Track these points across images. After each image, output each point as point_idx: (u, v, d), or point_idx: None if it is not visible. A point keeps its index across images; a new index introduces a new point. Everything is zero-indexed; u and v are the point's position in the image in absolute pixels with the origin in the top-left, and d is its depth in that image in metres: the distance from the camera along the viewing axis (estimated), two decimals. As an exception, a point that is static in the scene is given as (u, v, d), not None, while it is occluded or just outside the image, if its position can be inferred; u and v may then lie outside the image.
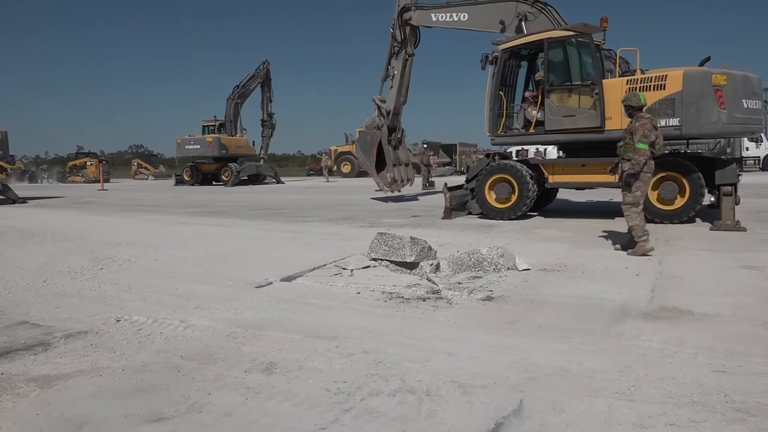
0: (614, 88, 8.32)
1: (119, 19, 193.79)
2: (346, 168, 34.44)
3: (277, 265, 5.40)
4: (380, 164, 13.41)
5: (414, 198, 14.75)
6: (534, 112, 9.22)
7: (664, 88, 7.95)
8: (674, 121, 7.87)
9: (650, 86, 8.04)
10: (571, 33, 8.77)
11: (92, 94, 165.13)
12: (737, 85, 7.95)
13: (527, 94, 9.58)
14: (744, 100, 8.01)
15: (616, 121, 8.24)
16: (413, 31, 12.74)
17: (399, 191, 14.08)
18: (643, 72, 8.43)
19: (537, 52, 9.47)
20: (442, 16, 11.79)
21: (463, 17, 11.32)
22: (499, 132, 9.55)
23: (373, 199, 14.29)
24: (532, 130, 9.24)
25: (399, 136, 13.71)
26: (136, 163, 46.46)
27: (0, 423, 2.28)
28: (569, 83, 8.91)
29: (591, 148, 9.04)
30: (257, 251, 6.56)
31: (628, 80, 8.26)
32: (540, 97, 9.13)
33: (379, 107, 13.14)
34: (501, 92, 9.49)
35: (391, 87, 13.09)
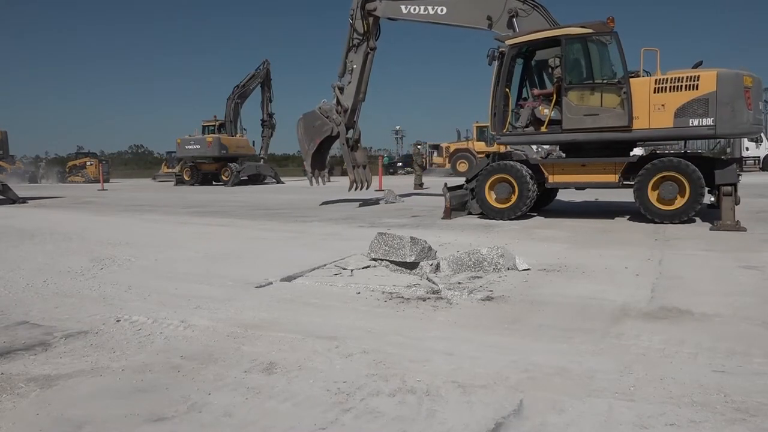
0: (641, 87, 8.26)
1: (119, 19, 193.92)
2: (462, 167, 29.62)
3: (277, 265, 5.40)
4: (316, 160, 12.74)
5: (409, 198, 14.74)
6: (546, 111, 9.02)
7: (696, 89, 7.92)
8: (708, 121, 7.86)
9: (681, 86, 8.00)
10: (590, 30, 8.71)
11: (92, 93, 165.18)
12: (756, 87, 8.12)
13: (536, 92, 9.36)
14: (759, 102, 8.17)
15: (644, 120, 8.22)
16: (376, 23, 11.83)
17: (324, 184, 13.55)
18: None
19: (547, 48, 9.26)
20: (414, 9, 11.06)
21: (441, 11, 10.72)
22: (504, 131, 9.38)
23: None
24: (544, 129, 9.05)
25: (356, 136, 12.74)
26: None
27: (0, 423, 2.28)
28: (591, 81, 8.77)
29: (594, 148, 9.02)
30: (257, 251, 6.56)
31: (656, 80, 8.19)
32: (555, 95, 8.93)
33: (338, 97, 12.19)
34: (507, 89, 9.30)
35: (349, 83, 12.15)
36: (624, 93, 8.29)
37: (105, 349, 3.15)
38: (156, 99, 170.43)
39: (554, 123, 8.98)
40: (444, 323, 3.55)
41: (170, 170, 38.31)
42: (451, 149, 32.43)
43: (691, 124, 7.98)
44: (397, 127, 72.28)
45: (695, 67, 8.29)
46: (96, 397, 2.52)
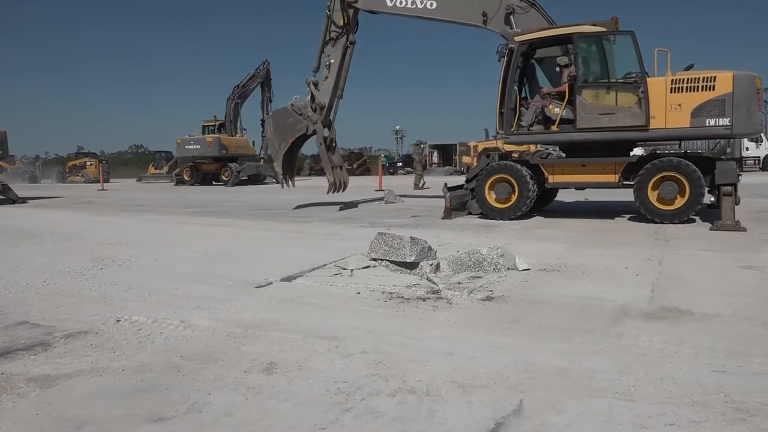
0: (657, 86, 8.27)
1: (119, 19, 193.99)
2: None
3: (277, 265, 5.40)
4: (287, 161, 11.91)
5: (409, 198, 14.74)
6: (557, 110, 8.91)
7: (713, 89, 7.96)
8: (724, 121, 7.92)
9: (698, 86, 8.05)
10: (605, 29, 8.69)
11: (92, 94, 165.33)
12: (761, 89, 8.33)
13: (546, 90, 9.22)
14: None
15: (660, 120, 8.23)
16: (356, 16, 11.19)
17: (290, 185, 12.42)
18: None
19: (552, 46, 9.19)
20: (400, 2, 10.53)
21: (430, 5, 10.30)
22: (513, 130, 9.23)
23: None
24: (555, 129, 8.95)
25: (333, 136, 11.88)
26: None
27: (0, 423, 2.28)
28: (607, 80, 8.72)
29: (595, 148, 9.01)
30: (257, 251, 6.56)
31: (672, 79, 8.19)
32: (567, 93, 8.81)
33: (312, 94, 11.42)
34: (515, 87, 9.17)
35: (326, 78, 11.39)
36: (642, 92, 8.25)
37: (105, 349, 3.15)
38: (156, 99, 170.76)
39: (565, 122, 8.87)
40: (444, 323, 3.55)
41: (157, 171, 37.33)
42: (479, 148, 31.72)
43: (707, 124, 8.03)
44: (397, 127, 72.36)
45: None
46: (96, 397, 2.52)
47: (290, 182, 12.45)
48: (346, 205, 12.22)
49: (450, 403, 2.39)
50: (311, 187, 24.69)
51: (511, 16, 9.78)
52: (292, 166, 12.64)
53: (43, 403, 2.45)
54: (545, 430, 2.14)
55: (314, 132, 11.47)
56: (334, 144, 12.03)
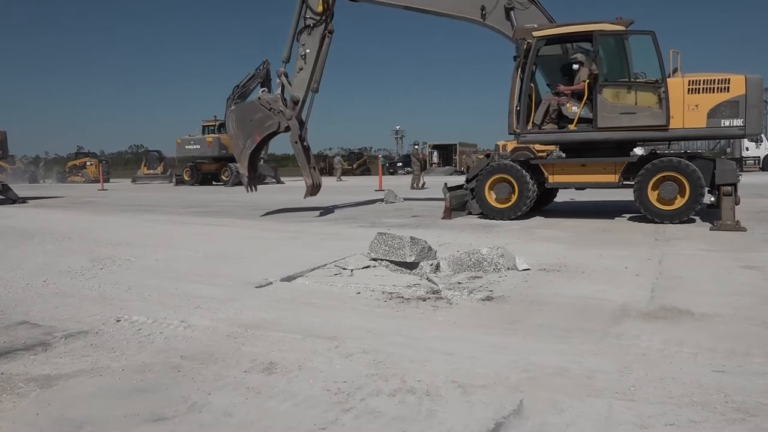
0: (675, 87, 8.30)
1: (119, 19, 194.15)
2: None
3: (277, 265, 5.40)
4: (252, 162, 10.90)
5: (409, 198, 14.73)
6: (574, 108, 8.78)
7: (728, 91, 8.09)
8: (738, 122, 8.08)
9: (713, 88, 8.18)
10: (624, 28, 8.68)
11: (92, 94, 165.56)
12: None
13: (562, 88, 9.01)
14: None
15: (678, 120, 8.30)
16: (335, 3, 10.45)
17: (254, 189, 11.34)
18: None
19: (574, 43, 9.15)
20: None
21: None
22: (528, 128, 9.07)
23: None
24: (573, 127, 8.82)
25: (305, 134, 10.75)
26: None
27: (0, 423, 2.28)
28: (627, 79, 8.69)
29: (589, 149, 8.99)
30: (257, 251, 6.56)
31: (690, 80, 8.25)
32: (586, 92, 8.67)
33: (284, 86, 10.52)
34: (532, 84, 9.01)
35: (301, 69, 10.38)
36: (663, 92, 8.25)
37: (105, 349, 3.15)
38: (156, 99, 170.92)
39: (581, 121, 8.77)
40: (444, 323, 3.55)
41: (150, 171, 36.89)
42: (509, 148, 30.80)
43: (722, 125, 8.14)
44: (397, 127, 72.44)
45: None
46: (96, 397, 2.52)
47: (254, 186, 11.48)
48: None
49: (450, 403, 2.38)
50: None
51: (511, 12, 9.63)
52: (256, 167, 11.58)
53: (43, 403, 2.45)
54: (545, 430, 2.14)
55: (287, 129, 10.39)
56: (306, 143, 10.86)
